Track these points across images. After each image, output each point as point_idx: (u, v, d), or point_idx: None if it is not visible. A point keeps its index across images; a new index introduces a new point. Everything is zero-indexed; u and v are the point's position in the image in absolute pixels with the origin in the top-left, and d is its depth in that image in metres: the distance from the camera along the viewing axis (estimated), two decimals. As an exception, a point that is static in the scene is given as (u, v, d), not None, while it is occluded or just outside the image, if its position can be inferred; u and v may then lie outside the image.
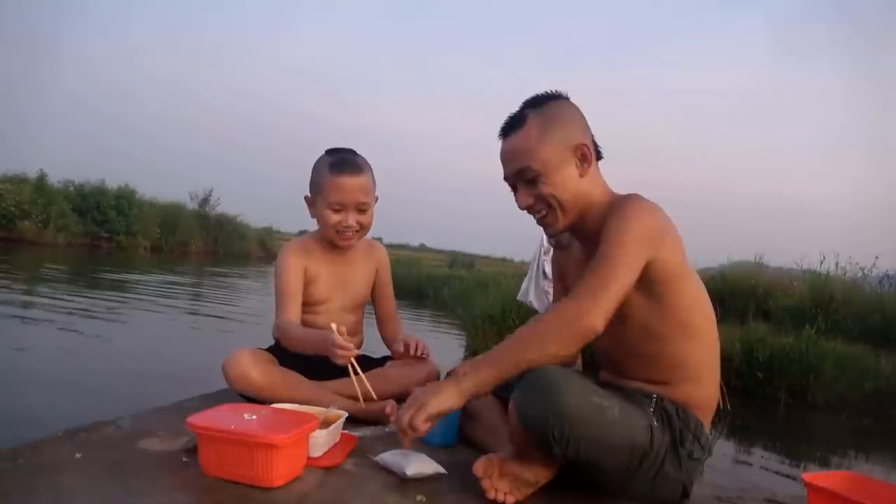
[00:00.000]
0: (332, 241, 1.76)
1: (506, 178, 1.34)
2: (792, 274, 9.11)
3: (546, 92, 1.33)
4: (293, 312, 1.70)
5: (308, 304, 1.76)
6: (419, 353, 1.74)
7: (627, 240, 1.18)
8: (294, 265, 1.74)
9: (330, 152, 1.76)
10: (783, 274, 9.21)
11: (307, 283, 1.76)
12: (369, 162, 1.77)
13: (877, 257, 8.37)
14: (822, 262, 8.39)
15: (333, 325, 1.50)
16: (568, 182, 1.28)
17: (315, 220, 1.78)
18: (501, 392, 1.25)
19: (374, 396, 1.54)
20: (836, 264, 8.31)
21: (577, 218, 1.31)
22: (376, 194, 1.77)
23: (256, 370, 1.57)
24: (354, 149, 1.77)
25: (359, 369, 1.51)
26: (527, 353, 1.15)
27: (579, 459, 1.15)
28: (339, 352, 1.46)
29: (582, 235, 1.37)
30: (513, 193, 1.34)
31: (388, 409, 1.50)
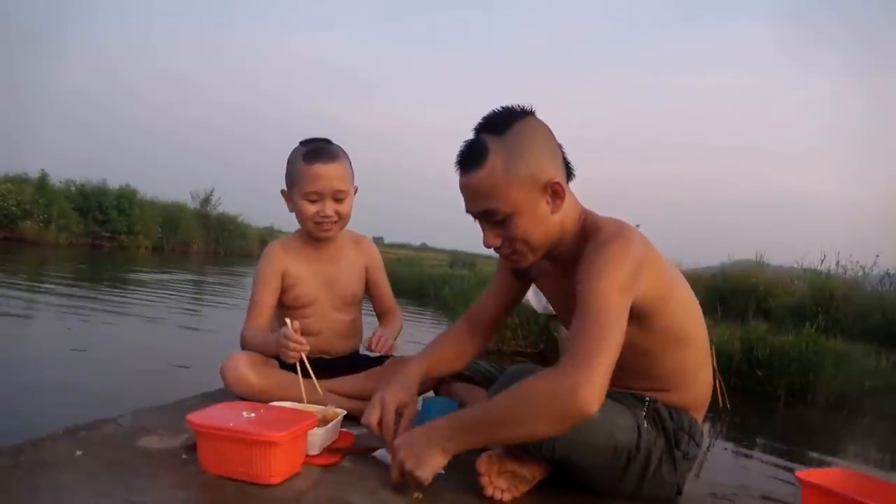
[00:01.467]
0: (312, 235, 1.72)
1: (468, 213, 1.22)
2: (793, 272, 9.12)
3: (509, 109, 1.18)
4: (257, 323, 1.68)
5: (296, 308, 1.73)
6: (380, 348, 1.64)
7: (609, 291, 1.08)
8: (270, 273, 1.70)
9: (304, 143, 1.71)
10: (784, 272, 9.22)
11: (291, 286, 1.72)
12: (346, 152, 1.72)
13: (877, 256, 8.39)
14: (822, 261, 8.41)
15: (288, 321, 1.49)
16: (539, 222, 1.17)
17: (294, 216, 1.73)
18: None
19: (321, 393, 1.53)
20: (837, 263, 8.33)
21: (548, 249, 1.24)
22: (355, 185, 1.73)
23: (254, 373, 1.57)
24: (329, 138, 1.73)
25: (309, 368, 1.49)
26: (517, 430, 1.07)
27: (558, 459, 1.15)
28: (291, 345, 1.45)
29: (552, 259, 1.29)
30: (480, 228, 1.23)
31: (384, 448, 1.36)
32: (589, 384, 1.00)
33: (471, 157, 1.16)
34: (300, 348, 1.46)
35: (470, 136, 1.19)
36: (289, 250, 1.75)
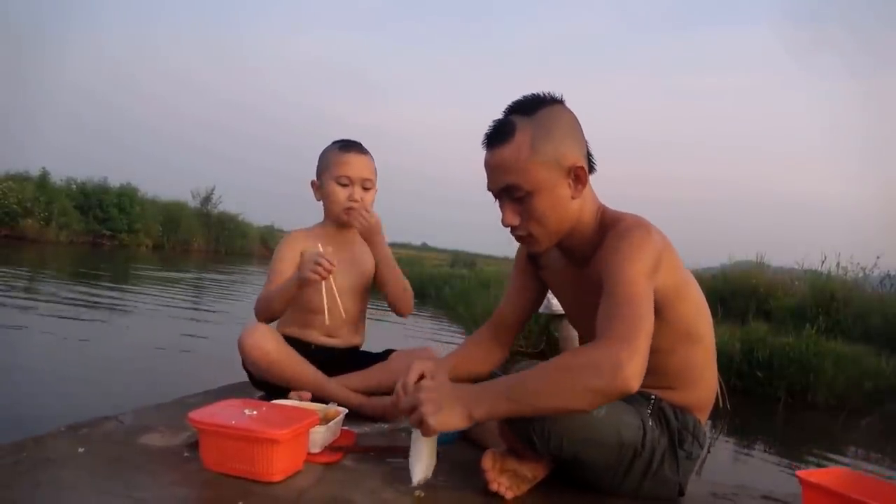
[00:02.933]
0: (337, 221, 1.81)
1: (490, 190, 1.24)
2: (793, 274, 9.11)
3: (539, 94, 1.19)
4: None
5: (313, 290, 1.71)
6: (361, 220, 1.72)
7: (638, 278, 1.09)
8: (288, 251, 1.78)
9: (338, 140, 1.85)
10: (784, 273, 9.21)
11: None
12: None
13: (878, 257, 8.37)
14: (823, 262, 8.40)
15: (320, 246, 1.60)
16: (558, 204, 1.18)
17: (321, 205, 1.83)
18: None
19: (342, 316, 1.68)
20: (838, 264, 8.31)
21: (563, 237, 1.24)
22: (376, 187, 1.83)
23: (273, 343, 1.62)
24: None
25: (335, 290, 1.65)
26: (551, 402, 1.03)
27: (564, 456, 1.15)
28: (324, 262, 1.53)
29: (566, 252, 1.30)
30: (498, 206, 1.24)
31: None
32: (632, 361, 0.99)
33: (498, 134, 1.18)
34: (330, 266, 1.55)
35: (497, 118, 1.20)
36: (309, 235, 1.82)
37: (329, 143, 1.86)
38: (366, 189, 1.79)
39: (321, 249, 1.58)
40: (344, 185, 1.77)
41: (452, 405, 1.05)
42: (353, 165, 1.77)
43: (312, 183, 1.85)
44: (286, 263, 1.75)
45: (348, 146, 1.80)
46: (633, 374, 0.99)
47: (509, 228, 1.23)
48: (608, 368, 0.99)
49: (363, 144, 1.84)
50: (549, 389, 1.03)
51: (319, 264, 1.54)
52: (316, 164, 1.85)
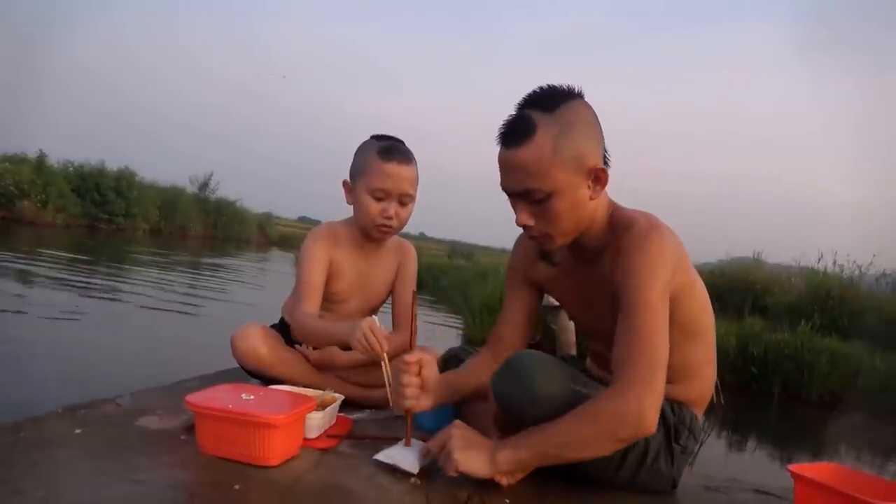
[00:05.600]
0: (365, 233, 1.66)
1: (504, 189, 1.18)
2: (790, 271, 9.14)
3: (557, 88, 1.13)
4: (313, 305, 1.59)
5: (326, 301, 1.67)
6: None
7: (657, 302, 1.08)
8: (321, 255, 1.63)
9: (378, 137, 1.64)
10: (781, 270, 9.24)
11: (330, 277, 1.66)
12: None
13: (874, 255, 8.39)
14: (820, 260, 8.42)
15: (374, 317, 1.42)
16: (577, 206, 1.14)
17: (351, 207, 1.67)
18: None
19: (390, 398, 1.37)
20: (834, 262, 8.34)
21: (577, 236, 1.22)
22: (416, 197, 1.66)
23: (266, 346, 1.58)
24: (402, 139, 1.66)
25: (387, 367, 1.39)
26: (580, 452, 1.09)
27: None
28: (375, 344, 1.35)
29: (575, 249, 1.26)
30: (510, 204, 1.19)
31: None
32: (653, 408, 1.04)
33: (518, 132, 1.11)
34: (381, 350, 1.36)
35: (513, 112, 1.14)
36: (338, 240, 1.68)
37: (363, 138, 1.64)
38: (403, 204, 1.62)
39: (375, 320, 1.40)
40: (379, 199, 1.59)
41: (479, 449, 1.12)
42: (393, 178, 1.56)
43: (344, 183, 1.66)
44: (319, 267, 1.62)
45: (390, 153, 1.57)
46: (654, 419, 1.05)
47: (523, 228, 1.19)
48: (633, 419, 1.04)
49: (405, 147, 1.63)
50: (575, 442, 1.08)
51: (371, 345, 1.36)
52: (348, 164, 1.65)
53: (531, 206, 1.15)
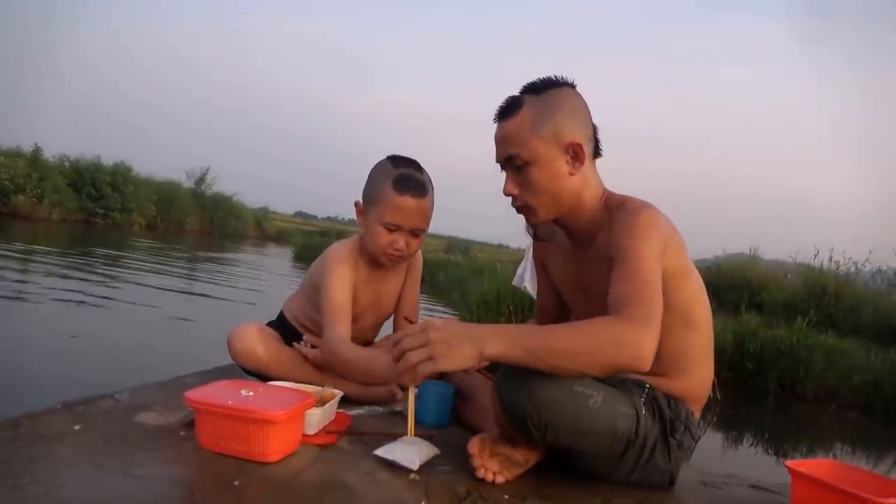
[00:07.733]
0: (374, 258, 1.68)
1: (497, 162, 1.31)
2: (786, 267, 9.18)
3: (550, 77, 1.27)
4: (345, 329, 1.57)
5: None
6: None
7: (652, 259, 1.13)
8: (347, 277, 1.63)
9: (395, 161, 1.61)
10: (778, 267, 9.29)
11: None
12: (432, 181, 1.65)
13: (870, 252, 8.43)
14: (816, 256, 8.46)
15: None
16: (556, 178, 1.24)
17: (363, 230, 1.67)
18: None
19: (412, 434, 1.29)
20: (830, 258, 8.38)
21: (564, 215, 1.29)
22: (428, 228, 1.66)
23: (262, 346, 1.58)
24: (418, 162, 1.64)
25: (412, 402, 1.29)
26: (567, 363, 1.04)
27: (560, 445, 1.16)
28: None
29: (570, 232, 1.34)
30: (504, 178, 1.30)
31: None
32: (651, 346, 1.04)
33: (506, 108, 1.26)
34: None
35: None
36: (356, 262, 1.69)
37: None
38: (415, 236, 1.62)
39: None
40: (390, 231, 1.59)
41: (461, 342, 1.02)
42: (406, 213, 1.56)
43: (356, 204, 1.66)
44: (346, 290, 1.61)
45: (405, 185, 1.55)
46: (650, 355, 1.04)
47: (510, 199, 1.29)
48: (633, 348, 1.03)
49: (423, 174, 1.61)
50: (570, 353, 1.03)
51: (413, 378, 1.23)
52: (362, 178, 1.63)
53: (515, 174, 1.26)
